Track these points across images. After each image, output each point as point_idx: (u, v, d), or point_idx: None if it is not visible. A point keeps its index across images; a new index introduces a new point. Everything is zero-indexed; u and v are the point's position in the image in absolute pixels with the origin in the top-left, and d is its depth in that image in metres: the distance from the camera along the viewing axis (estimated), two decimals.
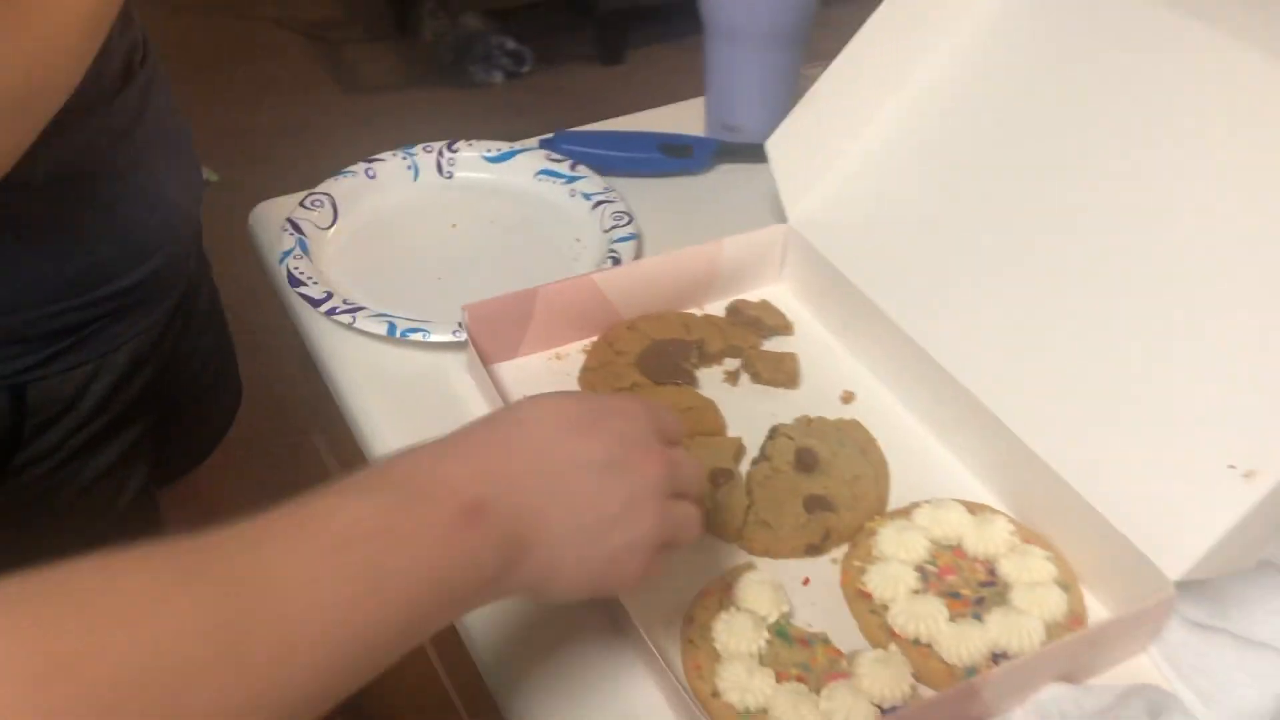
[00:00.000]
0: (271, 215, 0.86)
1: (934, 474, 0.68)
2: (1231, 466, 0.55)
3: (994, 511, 0.63)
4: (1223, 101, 0.63)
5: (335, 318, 0.75)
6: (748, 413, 0.71)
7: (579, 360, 0.75)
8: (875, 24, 0.75)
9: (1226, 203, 0.61)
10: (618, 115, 1.01)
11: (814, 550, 0.62)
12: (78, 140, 0.67)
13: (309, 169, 0.93)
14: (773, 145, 0.78)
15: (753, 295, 0.80)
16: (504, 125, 1.02)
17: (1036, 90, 0.70)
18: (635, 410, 0.51)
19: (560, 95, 2.98)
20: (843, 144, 0.77)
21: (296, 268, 0.78)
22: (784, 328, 0.78)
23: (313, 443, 1.02)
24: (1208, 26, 0.64)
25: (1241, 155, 0.61)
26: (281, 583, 0.37)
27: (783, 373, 0.74)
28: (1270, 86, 0.60)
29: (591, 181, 0.88)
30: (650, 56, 3.09)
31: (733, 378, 0.74)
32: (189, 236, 0.82)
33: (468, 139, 0.92)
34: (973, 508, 0.63)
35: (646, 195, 0.91)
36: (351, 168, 0.89)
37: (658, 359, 0.73)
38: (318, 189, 0.86)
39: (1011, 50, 0.72)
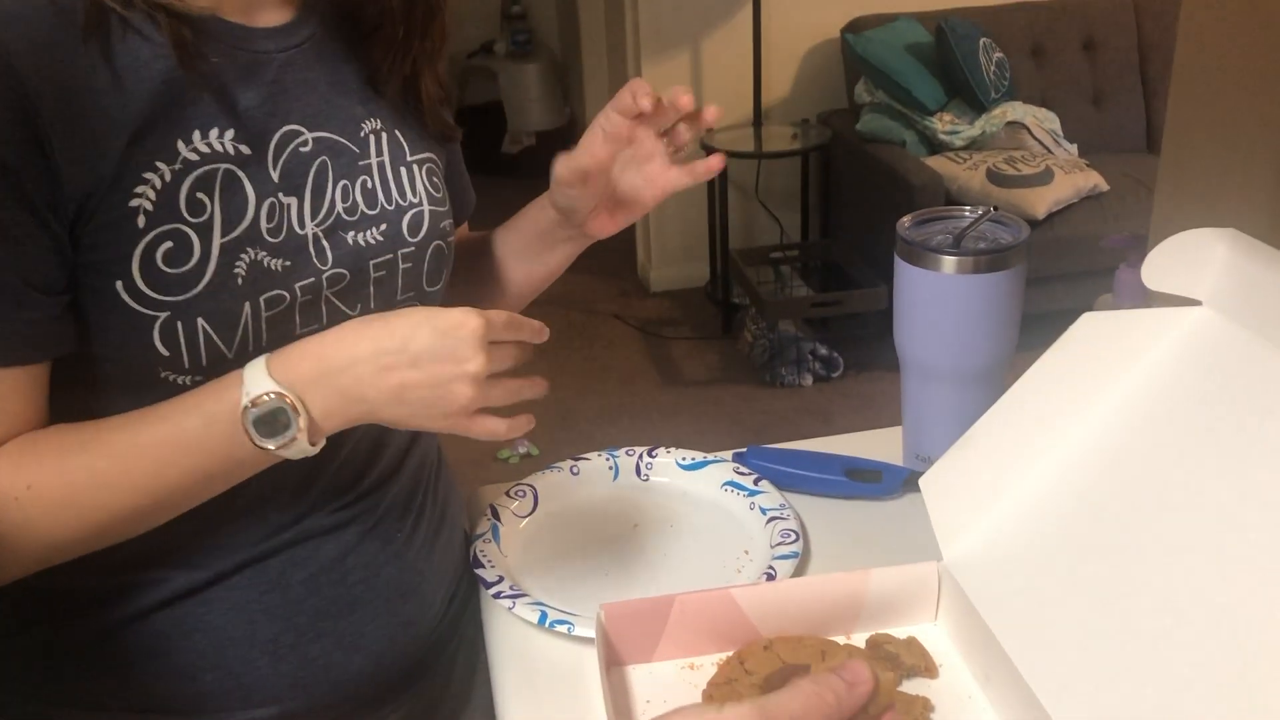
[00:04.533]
0: (486, 498, 0.97)
1: None
2: None
3: None
4: None
5: (499, 600, 0.82)
6: None
7: (711, 673, 0.76)
8: (1037, 372, 0.75)
9: None
10: None
11: None
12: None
13: None
14: (928, 482, 0.78)
15: (904, 630, 0.79)
16: (802, 427, 1.09)
17: (1195, 457, 0.67)
18: None
19: (865, 401, 3.04)
20: (999, 488, 0.76)
21: (482, 550, 0.87)
22: (927, 670, 0.75)
23: None
24: None
25: None
26: None
27: (910, 718, 0.71)
28: None
29: (770, 497, 0.92)
30: None
31: None
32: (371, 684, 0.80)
33: (770, 438, 1.00)
34: None
35: (831, 516, 0.93)
36: (559, 463, 0.98)
37: (782, 684, 0.73)
38: (524, 480, 0.96)
39: (1172, 412, 0.70)
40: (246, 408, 0.62)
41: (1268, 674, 0.57)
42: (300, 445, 0.63)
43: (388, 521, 0.80)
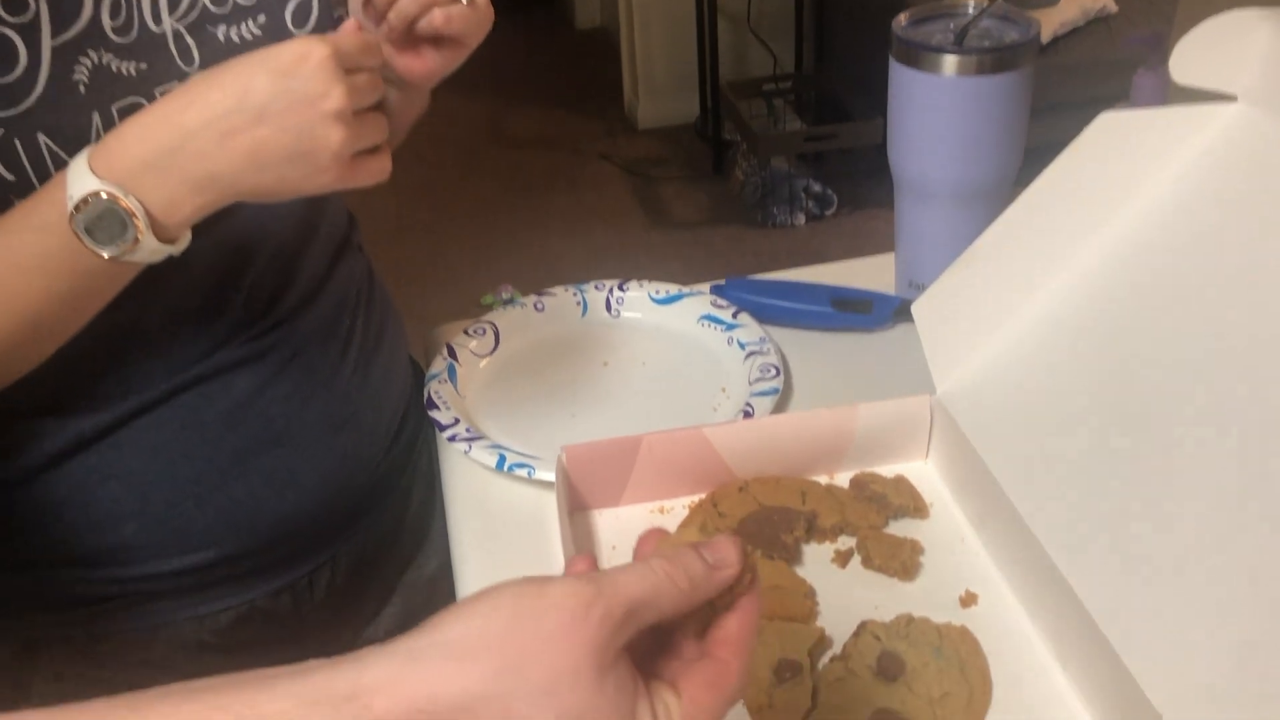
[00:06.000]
0: (443, 337, 0.90)
1: (1046, 708, 0.57)
2: None
3: None
4: None
5: (455, 444, 0.75)
6: (848, 602, 0.64)
7: (683, 516, 0.70)
8: (1047, 181, 0.67)
9: None
10: None
11: None
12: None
13: None
14: (921, 308, 0.71)
15: (891, 469, 0.73)
16: (795, 265, 1.00)
17: (1224, 275, 0.59)
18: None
19: (860, 239, 2.95)
20: (1000, 313, 0.68)
21: (436, 391, 0.80)
22: (916, 510, 0.69)
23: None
24: None
25: None
26: None
27: (898, 561, 0.65)
28: None
29: (749, 330, 0.85)
30: None
31: (843, 559, 0.67)
32: (294, 528, 0.74)
33: (760, 275, 0.91)
34: None
35: (816, 350, 0.86)
36: (523, 299, 0.91)
37: (758, 528, 0.67)
38: (484, 317, 0.89)
39: (1199, 224, 0.62)
40: (72, 213, 0.53)
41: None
42: (149, 246, 0.54)
43: (310, 350, 0.72)
